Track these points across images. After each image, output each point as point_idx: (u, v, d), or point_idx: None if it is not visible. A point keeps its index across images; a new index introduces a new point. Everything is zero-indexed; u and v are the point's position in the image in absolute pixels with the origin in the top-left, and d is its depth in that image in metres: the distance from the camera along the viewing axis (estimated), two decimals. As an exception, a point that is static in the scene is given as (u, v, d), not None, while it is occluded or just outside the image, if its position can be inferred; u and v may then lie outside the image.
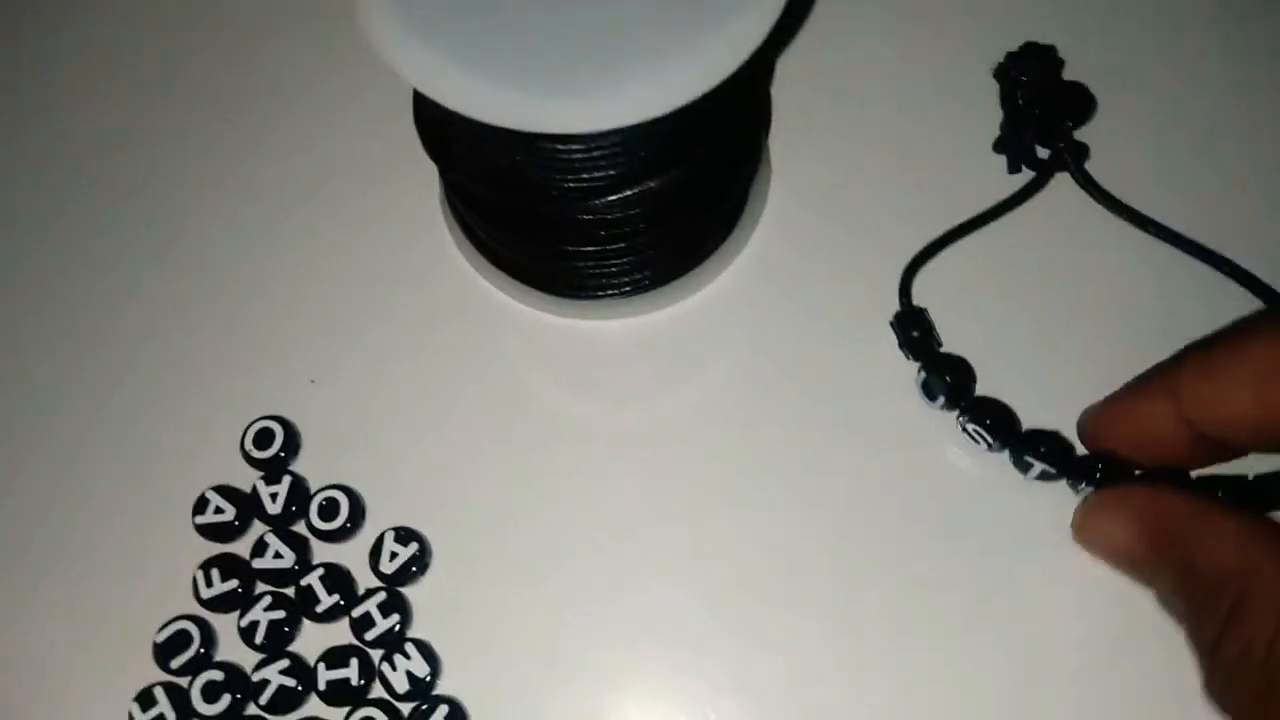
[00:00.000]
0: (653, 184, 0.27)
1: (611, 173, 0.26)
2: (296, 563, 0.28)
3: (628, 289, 0.31)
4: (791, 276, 0.31)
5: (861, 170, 0.33)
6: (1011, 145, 0.31)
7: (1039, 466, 0.27)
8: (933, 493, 0.29)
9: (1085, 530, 0.26)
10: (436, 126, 0.29)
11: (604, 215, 0.28)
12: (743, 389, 0.30)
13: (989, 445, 0.28)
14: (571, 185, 0.27)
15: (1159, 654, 0.26)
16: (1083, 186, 0.31)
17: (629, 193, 0.27)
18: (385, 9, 0.23)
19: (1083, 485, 0.27)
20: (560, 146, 0.25)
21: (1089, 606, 0.27)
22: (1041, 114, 0.31)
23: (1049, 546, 0.27)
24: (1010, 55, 0.32)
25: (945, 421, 0.29)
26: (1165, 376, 0.25)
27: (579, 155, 0.26)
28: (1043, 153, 0.31)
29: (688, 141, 0.27)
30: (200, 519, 0.29)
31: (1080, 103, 0.31)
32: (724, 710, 0.27)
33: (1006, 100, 0.32)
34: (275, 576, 0.28)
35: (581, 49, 0.23)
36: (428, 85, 0.23)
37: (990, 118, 0.32)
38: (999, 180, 0.32)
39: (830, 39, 0.34)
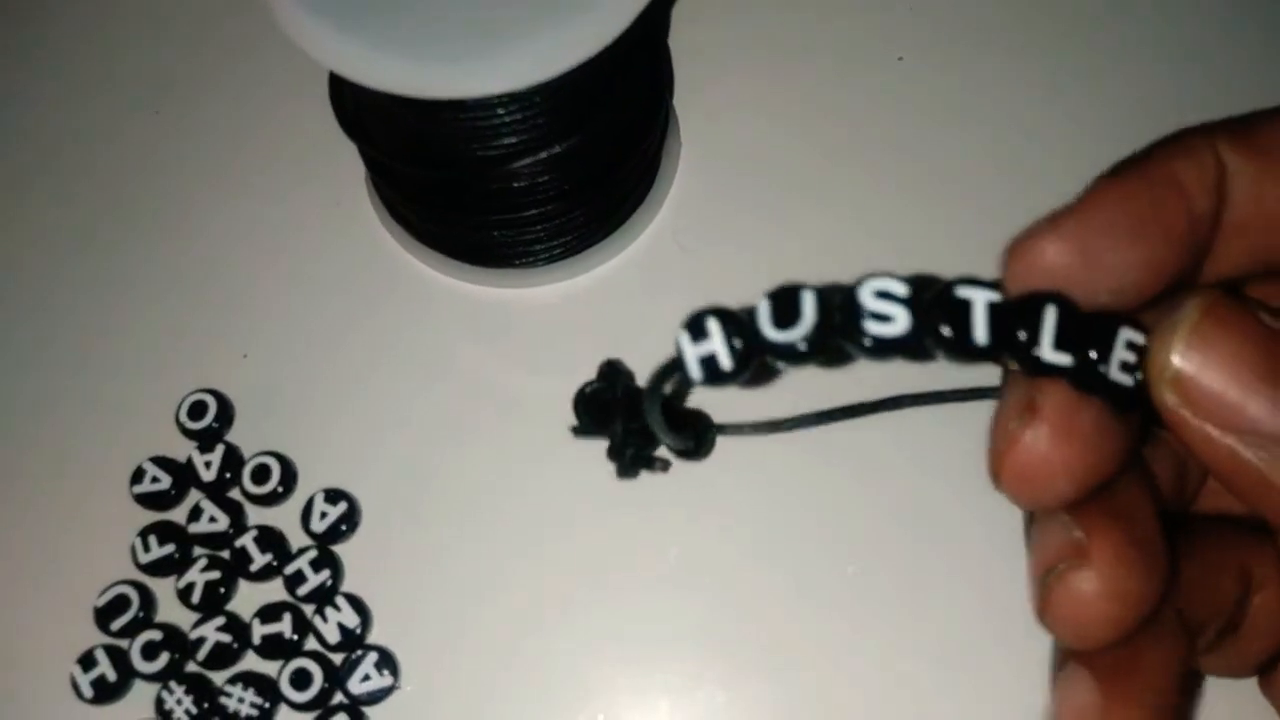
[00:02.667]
0: (558, 149, 0.28)
1: (514, 140, 0.28)
2: (231, 526, 0.30)
3: (546, 257, 0.32)
4: (708, 234, 0.33)
5: (770, 125, 0.34)
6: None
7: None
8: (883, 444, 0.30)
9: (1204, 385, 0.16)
10: (351, 104, 0.30)
11: (514, 183, 0.29)
12: (663, 350, 0.32)
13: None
14: (478, 154, 0.28)
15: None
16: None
17: (535, 158, 0.28)
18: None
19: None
20: (462, 115, 0.27)
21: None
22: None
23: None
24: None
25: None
26: (1190, 143, 0.19)
27: (481, 123, 0.27)
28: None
29: (588, 105, 0.28)
30: (138, 488, 0.30)
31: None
32: (642, 658, 0.28)
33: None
34: (211, 540, 0.30)
35: (473, 14, 0.24)
36: (320, 53, 0.24)
37: (895, 69, 0.34)
38: (895, 130, 0.33)
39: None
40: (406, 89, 0.25)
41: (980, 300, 0.17)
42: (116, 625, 0.29)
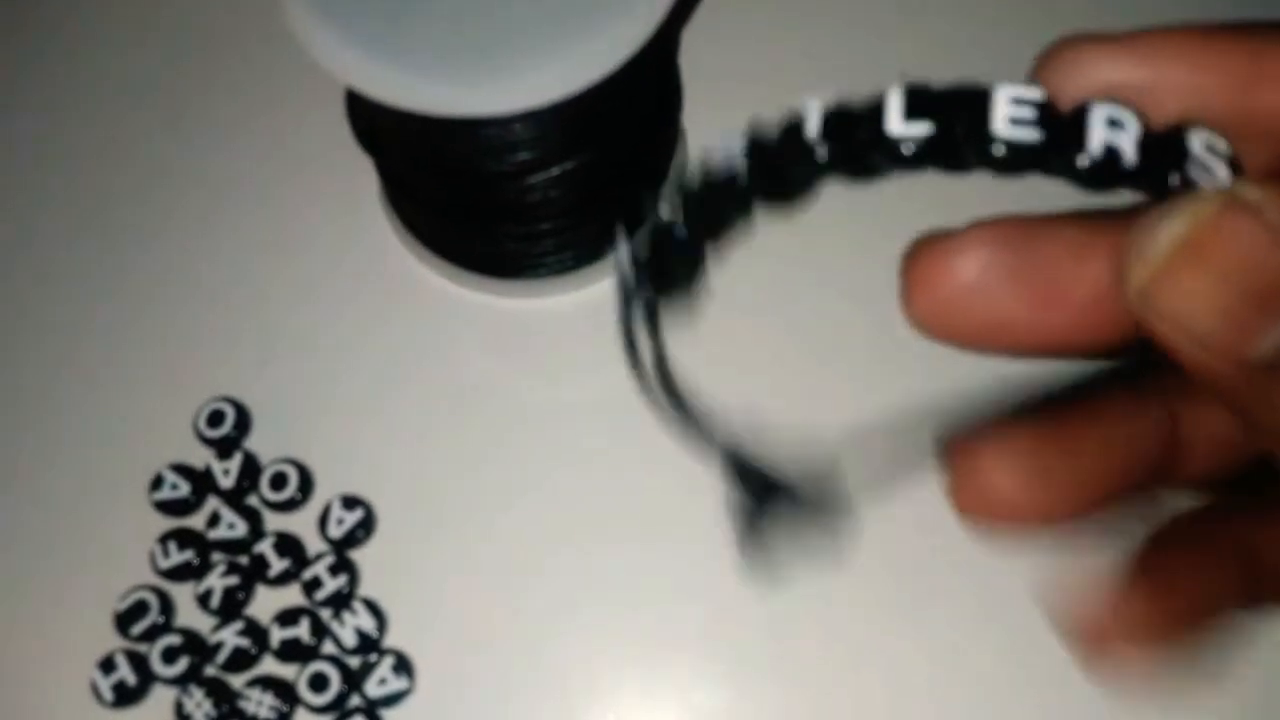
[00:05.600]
0: (571, 164, 0.29)
1: (528, 155, 0.28)
2: (249, 532, 0.30)
3: (557, 268, 0.33)
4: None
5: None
6: None
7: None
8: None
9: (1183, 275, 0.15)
10: (366, 118, 0.31)
11: (527, 197, 0.30)
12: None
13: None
14: (492, 169, 0.29)
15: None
16: None
17: (548, 174, 0.29)
18: (307, 4, 0.25)
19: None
20: (478, 131, 0.27)
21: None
22: None
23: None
24: None
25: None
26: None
27: (496, 139, 0.28)
28: None
29: (601, 121, 0.29)
30: (157, 495, 0.31)
31: None
32: (655, 661, 0.29)
33: None
34: (229, 546, 0.30)
35: (491, 33, 0.25)
36: (340, 71, 0.25)
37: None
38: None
39: (735, 10, 0.36)
40: (426, 107, 0.25)
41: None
42: (136, 630, 0.29)
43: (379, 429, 0.32)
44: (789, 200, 0.16)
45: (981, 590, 0.29)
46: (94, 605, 0.29)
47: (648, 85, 0.30)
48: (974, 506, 0.18)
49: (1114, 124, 0.15)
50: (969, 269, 0.17)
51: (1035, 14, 0.36)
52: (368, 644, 0.29)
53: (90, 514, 0.31)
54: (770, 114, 0.33)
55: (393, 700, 0.28)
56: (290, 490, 0.30)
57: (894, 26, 0.36)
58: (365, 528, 0.30)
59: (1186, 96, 0.16)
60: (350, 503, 0.30)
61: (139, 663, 0.29)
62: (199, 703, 0.28)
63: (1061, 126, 0.15)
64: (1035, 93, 0.15)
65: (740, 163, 0.16)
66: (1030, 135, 0.15)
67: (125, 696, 0.29)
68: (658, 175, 0.33)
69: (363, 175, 0.34)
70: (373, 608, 0.29)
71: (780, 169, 0.16)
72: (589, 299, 0.33)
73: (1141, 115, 0.15)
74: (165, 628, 0.29)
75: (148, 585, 0.30)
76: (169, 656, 0.29)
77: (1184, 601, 0.18)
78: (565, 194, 0.30)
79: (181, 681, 0.29)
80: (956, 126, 0.15)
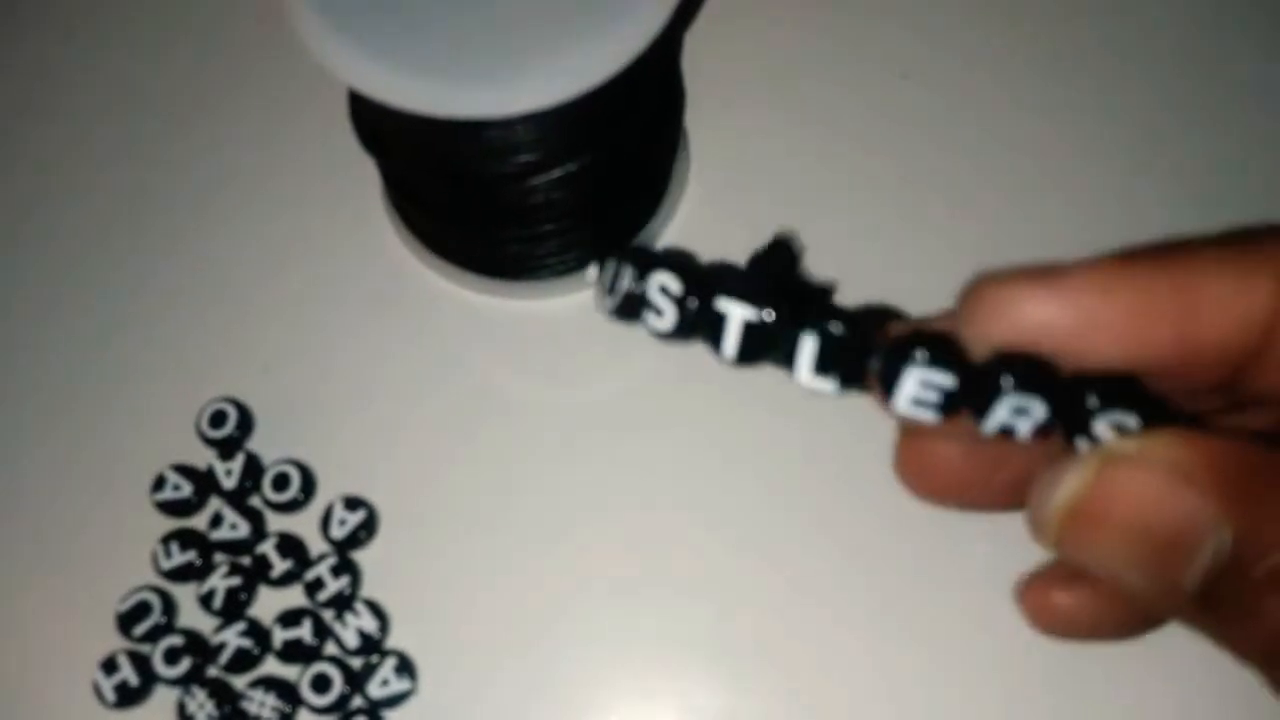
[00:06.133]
0: (574, 166, 0.29)
1: (531, 157, 0.28)
2: (252, 533, 0.30)
3: (560, 269, 0.33)
4: (716, 249, 0.33)
5: (779, 143, 0.35)
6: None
7: (1024, 408, 0.16)
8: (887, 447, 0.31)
9: (1118, 501, 0.15)
10: (369, 121, 0.31)
11: (530, 199, 0.30)
12: (672, 356, 0.32)
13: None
14: (495, 170, 0.29)
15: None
16: None
17: (551, 175, 0.29)
18: (311, 7, 0.25)
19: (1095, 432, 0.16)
20: (481, 133, 0.27)
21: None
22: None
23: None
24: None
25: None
26: (1168, 258, 0.16)
27: (500, 140, 0.28)
28: None
29: (604, 123, 0.29)
30: (159, 496, 0.31)
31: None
32: (657, 663, 0.29)
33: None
34: (232, 547, 0.30)
35: (495, 34, 0.25)
36: (344, 73, 0.25)
37: (898, 87, 0.35)
38: (902, 147, 0.34)
39: (738, 13, 0.37)
40: (429, 109, 0.25)
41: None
42: (139, 631, 0.29)
43: (381, 430, 0.32)
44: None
45: (983, 591, 0.29)
46: (96, 606, 0.30)
47: (651, 87, 0.30)
48: (914, 473, 0.19)
49: (1018, 411, 0.15)
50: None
51: (1030, 19, 0.36)
52: (370, 645, 0.29)
53: (92, 515, 0.31)
54: (771, 121, 0.33)
55: (395, 701, 0.28)
56: (292, 491, 0.30)
57: (897, 27, 0.36)
58: (367, 529, 0.30)
59: (1118, 338, 0.16)
60: (353, 504, 0.30)
61: (141, 663, 0.29)
62: (201, 704, 0.28)
63: (961, 406, 0.16)
64: (946, 379, 0.16)
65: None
66: (928, 416, 0.16)
67: (127, 697, 0.29)
68: (659, 175, 0.33)
69: (365, 177, 0.34)
70: (375, 609, 0.29)
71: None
72: (591, 300, 0.33)
73: (1053, 384, 0.15)
74: (168, 628, 0.29)
75: (150, 586, 0.30)
76: (171, 657, 0.29)
77: None
78: (568, 196, 0.30)
79: (184, 682, 0.29)
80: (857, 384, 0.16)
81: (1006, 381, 0.15)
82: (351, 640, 0.29)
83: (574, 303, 0.33)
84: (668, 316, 0.17)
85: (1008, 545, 0.28)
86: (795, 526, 0.30)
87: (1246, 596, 0.14)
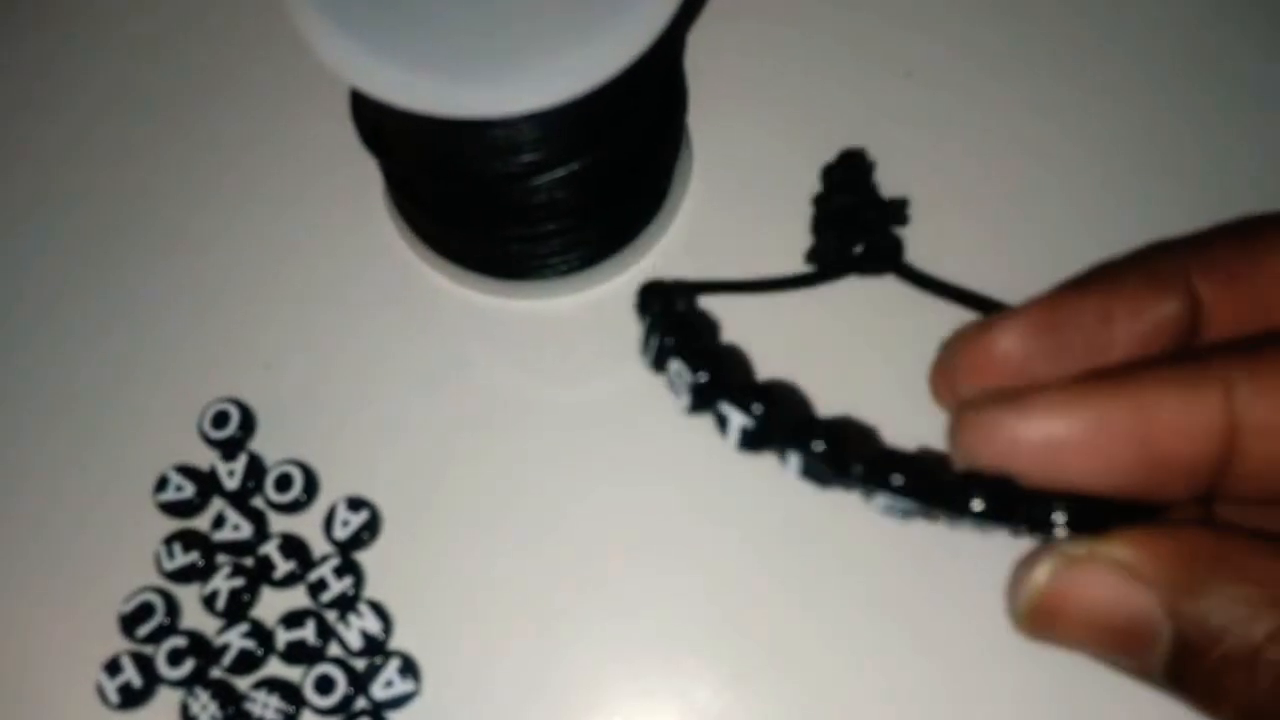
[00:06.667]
0: (576, 165, 0.29)
1: (533, 156, 0.28)
2: (254, 534, 0.30)
3: (562, 269, 0.33)
4: (719, 249, 0.33)
5: (781, 142, 0.35)
6: (824, 253, 0.30)
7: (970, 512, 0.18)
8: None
9: (1074, 598, 0.17)
10: (371, 120, 0.30)
11: (532, 199, 0.30)
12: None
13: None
14: (497, 170, 0.29)
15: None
16: (909, 279, 0.29)
17: (553, 175, 0.29)
18: (313, 5, 0.25)
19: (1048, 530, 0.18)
20: (483, 132, 0.27)
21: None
22: (858, 221, 0.30)
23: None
24: (826, 169, 0.31)
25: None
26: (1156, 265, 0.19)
27: (502, 140, 0.28)
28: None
29: (606, 122, 0.29)
30: (162, 497, 0.30)
31: (896, 208, 0.31)
32: (659, 663, 0.29)
33: (821, 213, 0.31)
34: (234, 548, 0.30)
35: (497, 33, 0.25)
36: (347, 71, 0.25)
37: (902, 86, 0.35)
38: (905, 146, 0.34)
39: (741, 12, 0.36)
40: (431, 107, 0.25)
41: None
42: (142, 632, 0.29)
43: (383, 430, 0.31)
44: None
45: (984, 593, 0.29)
46: (99, 607, 0.29)
47: (654, 86, 0.30)
48: (980, 371, 0.19)
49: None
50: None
51: (1030, 13, 0.36)
52: (374, 646, 0.29)
53: (95, 516, 0.31)
54: (774, 120, 0.33)
55: (399, 703, 0.28)
56: (295, 492, 0.30)
57: (901, 25, 0.36)
58: (371, 529, 0.30)
59: (1085, 458, 0.17)
60: (356, 504, 0.30)
61: (144, 665, 0.29)
62: (204, 705, 0.28)
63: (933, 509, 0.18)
64: (909, 504, 0.18)
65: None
66: (895, 519, 0.19)
67: (131, 699, 0.29)
68: (661, 175, 0.33)
69: (368, 177, 0.34)
70: (378, 610, 0.29)
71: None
72: (595, 300, 0.33)
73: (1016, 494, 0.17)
74: (171, 630, 0.29)
75: (153, 587, 0.30)
76: (174, 658, 0.29)
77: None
78: (571, 195, 0.30)
79: (187, 684, 0.29)
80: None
81: (976, 500, 0.17)
82: (355, 641, 0.29)
83: (577, 303, 0.33)
84: (684, 401, 0.21)
85: (1007, 545, 0.29)
86: (796, 526, 0.30)
87: (1208, 680, 0.16)
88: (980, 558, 0.29)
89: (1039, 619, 0.18)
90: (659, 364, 0.22)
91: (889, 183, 0.34)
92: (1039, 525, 0.17)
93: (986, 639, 0.29)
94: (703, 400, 0.20)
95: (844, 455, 0.18)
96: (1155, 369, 0.17)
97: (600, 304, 0.33)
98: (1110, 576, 0.16)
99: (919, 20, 0.36)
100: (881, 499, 0.18)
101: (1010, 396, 0.18)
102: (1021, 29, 0.36)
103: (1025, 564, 0.18)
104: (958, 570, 0.29)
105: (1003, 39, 0.36)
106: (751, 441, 0.20)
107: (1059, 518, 0.17)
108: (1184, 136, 0.34)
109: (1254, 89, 0.35)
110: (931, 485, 0.17)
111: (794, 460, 0.19)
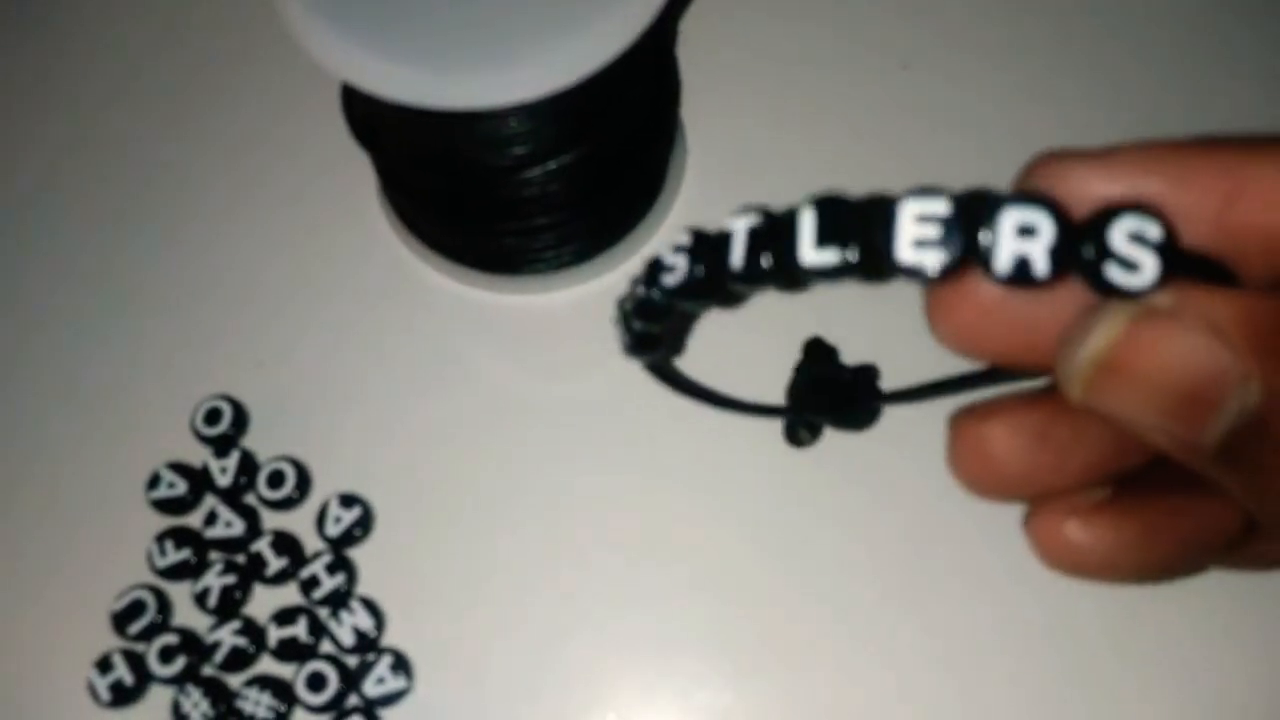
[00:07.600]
0: (568, 158, 0.29)
1: (525, 149, 0.28)
2: (246, 531, 0.30)
3: (555, 263, 0.33)
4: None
5: (776, 133, 0.34)
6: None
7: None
8: (890, 448, 0.30)
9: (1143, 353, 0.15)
10: (363, 114, 0.30)
11: (524, 192, 0.30)
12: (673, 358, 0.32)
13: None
14: (489, 163, 0.28)
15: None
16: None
17: (545, 167, 0.29)
18: (302, 1, 0.25)
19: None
20: (474, 125, 0.27)
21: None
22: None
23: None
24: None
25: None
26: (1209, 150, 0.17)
27: (493, 132, 0.27)
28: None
29: (598, 114, 0.28)
30: (154, 494, 0.30)
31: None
32: (655, 660, 0.28)
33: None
34: (227, 545, 0.30)
35: (486, 25, 0.25)
36: (335, 65, 0.25)
37: (899, 78, 0.35)
38: (905, 136, 0.34)
39: (734, 2, 0.36)
40: (421, 100, 0.25)
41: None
42: (133, 629, 0.29)
43: (377, 426, 0.31)
44: (728, 304, 0.19)
45: (986, 592, 0.29)
46: (91, 604, 0.29)
47: (645, 78, 0.30)
48: (974, 470, 0.18)
49: (1025, 231, 0.14)
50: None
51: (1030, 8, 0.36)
52: (366, 643, 0.28)
53: (87, 512, 0.31)
54: (769, 113, 0.33)
55: (391, 700, 0.28)
56: (288, 488, 0.30)
57: (897, 16, 0.36)
58: (363, 526, 0.30)
59: (1171, 215, 0.15)
60: (348, 501, 0.30)
61: (136, 662, 0.29)
62: (196, 702, 0.28)
63: (969, 245, 0.15)
64: (939, 206, 0.15)
65: (681, 275, 0.18)
66: (934, 260, 0.15)
67: (122, 696, 0.28)
68: (655, 167, 0.33)
69: (359, 171, 0.33)
70: (371, 607, 0.29)
71: (710, 291, 0.17)
72: (587, 294, 0.33)
73: (1059, 209, 0.15)
74: (162, 627, 0.29)
75: (145, 584, 0.30)
76: (166, 656, 0.29)
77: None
78: (563, 188, 0.30)
79: (179, 681, 0.28)
80: (863, 260, 0.15)
81: (1008, 208, 0.15)
82: (347, 638, 0.28)
83: (570, 297, 0.33)
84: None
85: (1007, 544, 0.28)
86: (796, 523, 0.30)
87: (1267, 453, 0.15)
88: (980, 558, 0.29)
89: (1104, 375, 0.15)
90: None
91: (885, 179, 0.33)
92: (1126, 266, 0.14)
93: (989, 637, 0.28)
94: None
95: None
96: (1255, 139, 0.16)
97: (594, 298, 0.33)
98: (1198, 336, 0.15)
99: (917, 11, 0.36)
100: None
101: (1090, 151, 0.17)
102: (1021, 20, 0.36)
103: (1084, 319, 0.16)
104: (958, 570, 0.29)
105: (1000, 31, 0.36)
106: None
107: (1150, 262, 0.14)
108: (1185, 127, 0.34)
109: (1256, 80, 0.34)
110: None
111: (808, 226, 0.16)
